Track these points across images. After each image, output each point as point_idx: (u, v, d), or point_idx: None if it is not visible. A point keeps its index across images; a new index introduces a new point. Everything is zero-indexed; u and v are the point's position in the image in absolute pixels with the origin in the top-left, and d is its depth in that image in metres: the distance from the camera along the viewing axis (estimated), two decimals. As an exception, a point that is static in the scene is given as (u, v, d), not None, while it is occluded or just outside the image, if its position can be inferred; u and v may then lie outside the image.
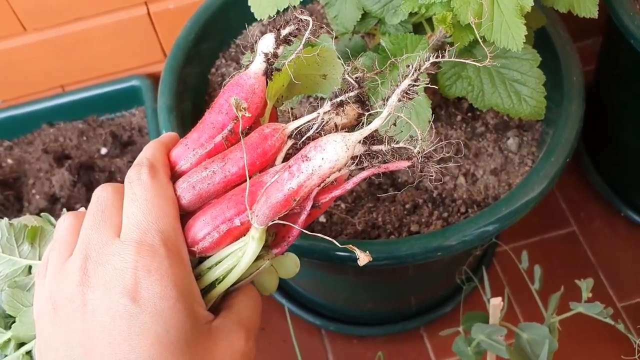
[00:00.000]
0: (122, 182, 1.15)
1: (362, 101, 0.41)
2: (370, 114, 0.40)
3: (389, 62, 0.43)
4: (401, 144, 0.38)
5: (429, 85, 0.43)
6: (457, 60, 0.38)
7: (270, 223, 0.38)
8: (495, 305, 0.70)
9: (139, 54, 1.11)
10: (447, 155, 0.82)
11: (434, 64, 0.37)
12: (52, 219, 0.49)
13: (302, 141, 0.40)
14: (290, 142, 0.41)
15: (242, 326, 0.38)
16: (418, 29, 0.71)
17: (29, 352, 0.42)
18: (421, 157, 0.38)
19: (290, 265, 0.44)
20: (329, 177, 0.38)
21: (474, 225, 0.74)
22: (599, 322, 0.71)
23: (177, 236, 0.37)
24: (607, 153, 1.14)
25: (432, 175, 0.38)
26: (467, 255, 0.90)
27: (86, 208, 1.06)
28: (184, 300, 0.35)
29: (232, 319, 0.38)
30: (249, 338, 0.38)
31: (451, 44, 0.67)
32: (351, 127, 0.41)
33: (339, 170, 0.38)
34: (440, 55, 0.38)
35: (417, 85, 0.38)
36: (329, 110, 0.40)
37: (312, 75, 0.43)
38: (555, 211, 1.17)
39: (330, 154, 0.37)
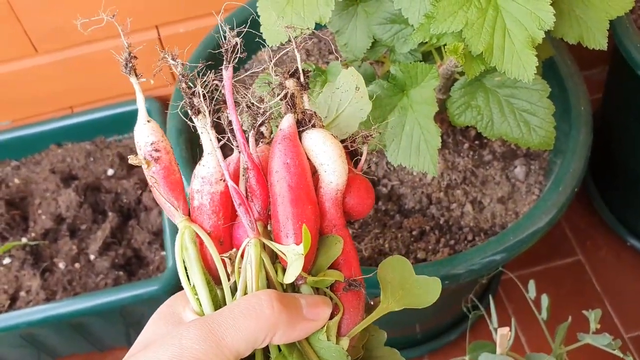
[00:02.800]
0: (127, 203, 1.14)
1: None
2: None
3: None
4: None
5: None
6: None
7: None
8: (503, 335, 0.70)
9: (148, 77, 1.11)
10: (454, 182, 0.83)
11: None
12: None
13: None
14: None
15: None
16: (427, 57, 0.71)
17: None
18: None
19: None
20: None
21: (481, 254, 0.73)
22: (607, 354, 0.71)
23: None
24: (614, 182, 1.13)
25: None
26: (473, 284, 0.89)
27: (91, 230, 1.05)
28: None
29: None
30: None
31: (461, 73, 0.68)
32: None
33: None
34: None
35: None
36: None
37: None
38: (561, 239, 1.16)
39: None
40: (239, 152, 0.41)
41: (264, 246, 0.40)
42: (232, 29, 0.41)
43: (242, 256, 0.41)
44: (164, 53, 0.41)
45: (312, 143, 0.40)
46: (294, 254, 0.39)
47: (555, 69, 0.83)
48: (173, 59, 0.40)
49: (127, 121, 1.11)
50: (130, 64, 0.42)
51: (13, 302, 0.96)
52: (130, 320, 0.98)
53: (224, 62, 0.40)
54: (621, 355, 0.70)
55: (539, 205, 0.76)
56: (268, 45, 0.70)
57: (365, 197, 0.43)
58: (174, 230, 0.93)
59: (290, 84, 0.41)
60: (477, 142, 0.86)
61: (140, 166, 0.42)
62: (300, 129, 0.41)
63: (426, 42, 0.65)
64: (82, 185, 1.03)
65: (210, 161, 0.40)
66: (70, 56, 1.05)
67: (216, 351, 0.35)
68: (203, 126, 0.40)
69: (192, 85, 0.40)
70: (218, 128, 0.41)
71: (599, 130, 1.10)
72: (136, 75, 0.42)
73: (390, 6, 0.64)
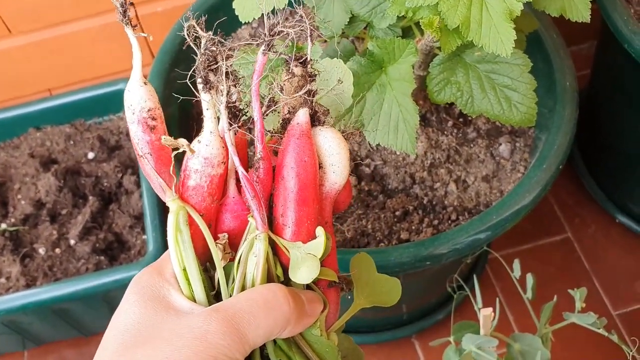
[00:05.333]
0: (108, 187, 1.12)
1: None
2: None
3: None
4: None
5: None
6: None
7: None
8: (486, 316, 0.69)
9: (127, 57, 1.09)
10: (438, 161, 0.81)
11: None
12: None
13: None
14: None
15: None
16: (407, 33, 0.69)
17: None
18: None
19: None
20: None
21: (464, 233, 0.72)
22: (593, 332, 0.70)
23: None
24: (602, 158, 1.12)
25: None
26: (458, 263, 0.88)
27: (72, 214, 1.03)
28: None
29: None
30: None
31: (440, 48, 0.66)
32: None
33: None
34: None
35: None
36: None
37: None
38: (549, 217, 1.15)
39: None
40: (256, 141, 0.40)
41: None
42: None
43: (230, 243, 0.40)
44: (190, 22, 0.38)
45: (326, 143, 0.40)
46: (304, 254, 0.39)
47: (540, 43, 0.81)
48: (202, 29, 0.38)
49: (107, 103, 1.09)
50: (128, 13, 0.39)
51: (-7, 289, 0.95)
52: (113, 305, 0.96)
53: (262, 47, 0.38)
54: (606, 333, 0.70)
55: (523, 182, 0.74)
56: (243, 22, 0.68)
57: (349, 195, 0.44)
58: (155, 214, 0.91)
59: (299, 71, 0.39)
60: (461, 119, 0.84)
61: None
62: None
63: (404, 17, 0.63)
64: (62, 170, 1.01)
65: (214, 142, 0.39)
66: (46, 37, 1.03)
67: (239, 347, 0.35)
68: (214, 104, 0.38)
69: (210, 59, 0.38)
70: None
71: (588, 106, 1.08)
72: (132, 27, 0.39)
73: (367, -21, 0.62)
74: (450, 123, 0.83)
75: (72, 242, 0.97)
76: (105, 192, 1.02)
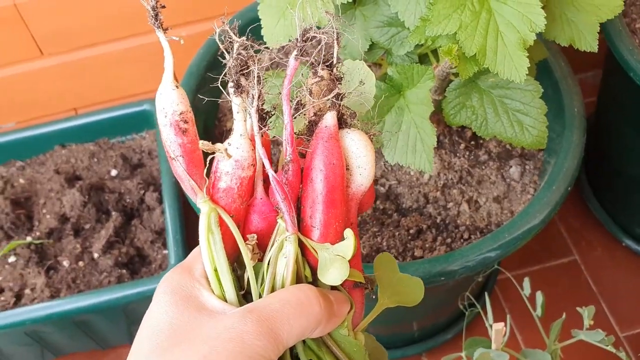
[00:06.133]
0: (130, 203, 1.15)
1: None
2: None
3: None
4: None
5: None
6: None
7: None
8: (498, 330, 0.71)
9: (151, 79, 1.13)
10: (451, 182, 0.85)
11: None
12: None
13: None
14: None
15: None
16: (423, 59, 0.73)
17: None
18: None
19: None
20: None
21: (476, 251, 0.75)
22: (601, 350, 0.72)
23: None
24: (608, 182, 1.15)
25: None
26: (469, 282, 0.91)
27: (95, 229, 1.06)
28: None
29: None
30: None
31: (456, 75, 0.70)
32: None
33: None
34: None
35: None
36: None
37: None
38: (556, 239, 1.18)
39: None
40: (285, 144, 0.40)
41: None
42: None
43: (257, 244, 0.41)
44: (224, 27, 0.39)
45: (353, 145, 0.41)
46: (333, 256, 0.40)
47: (549, 70, 0.85)
48: (235, 34, 0.39)
49: (130, 123, 1.13)
50: (160, 16, 0.39)
51: (18, 299, 0.98)
52: (132, 318, 0.99)
53: (294, 52, 0.38)
54: (614, 350, 0.72)
55: (533, 203, 0.78)
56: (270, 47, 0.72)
57: (372, 196, 0.45)
58: (177, 229, 0.95)
59: (326, 75, 0.39)
60: (473, 142, 0.87)
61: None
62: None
63: (422, 45, 0.67)
64: (86, 186, 1.05)
65: (245, 144, 0.39)
66: (74, 59, 1.07)
67: (274, 347, 0.36)
68: (245, 108, 0.39)
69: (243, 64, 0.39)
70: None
71: (594, 132, 1.12)
72: (164, 30, 0.40)
73: (387, 10, 0.66)
74: (462, 145, 0.87)
75: (95, 255, 1.00)
76: (128, 208, 1.05)
